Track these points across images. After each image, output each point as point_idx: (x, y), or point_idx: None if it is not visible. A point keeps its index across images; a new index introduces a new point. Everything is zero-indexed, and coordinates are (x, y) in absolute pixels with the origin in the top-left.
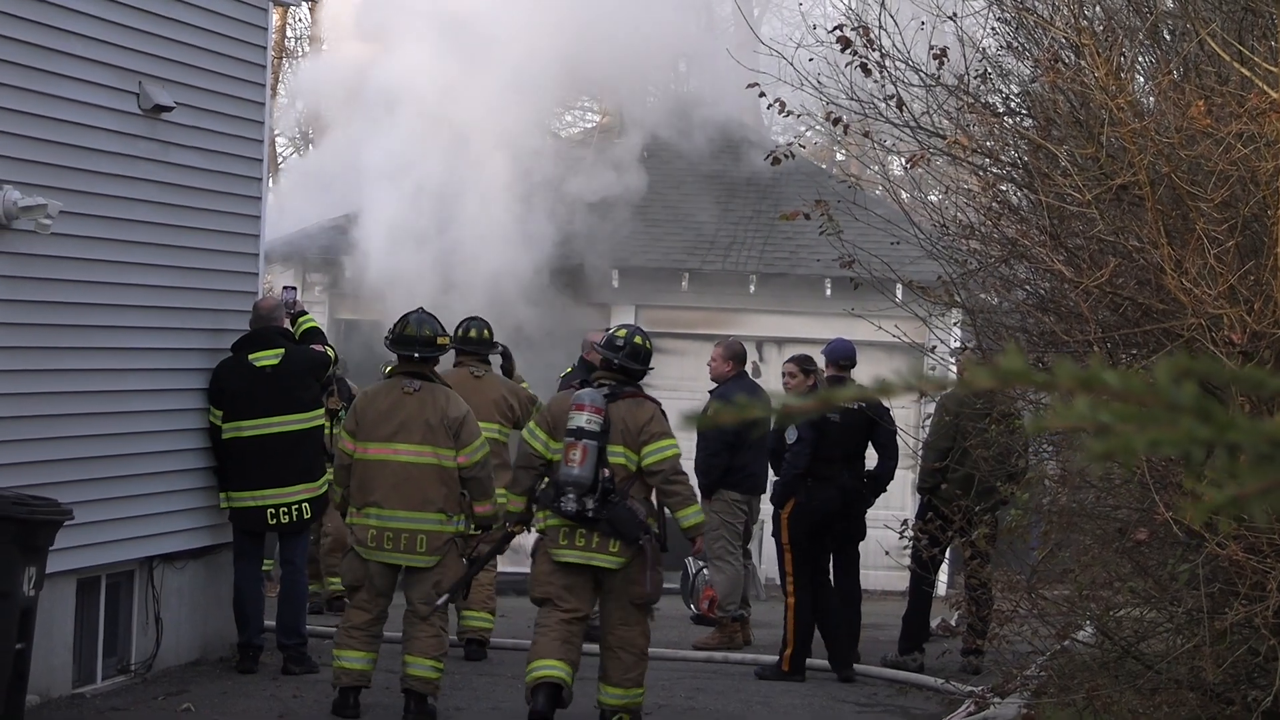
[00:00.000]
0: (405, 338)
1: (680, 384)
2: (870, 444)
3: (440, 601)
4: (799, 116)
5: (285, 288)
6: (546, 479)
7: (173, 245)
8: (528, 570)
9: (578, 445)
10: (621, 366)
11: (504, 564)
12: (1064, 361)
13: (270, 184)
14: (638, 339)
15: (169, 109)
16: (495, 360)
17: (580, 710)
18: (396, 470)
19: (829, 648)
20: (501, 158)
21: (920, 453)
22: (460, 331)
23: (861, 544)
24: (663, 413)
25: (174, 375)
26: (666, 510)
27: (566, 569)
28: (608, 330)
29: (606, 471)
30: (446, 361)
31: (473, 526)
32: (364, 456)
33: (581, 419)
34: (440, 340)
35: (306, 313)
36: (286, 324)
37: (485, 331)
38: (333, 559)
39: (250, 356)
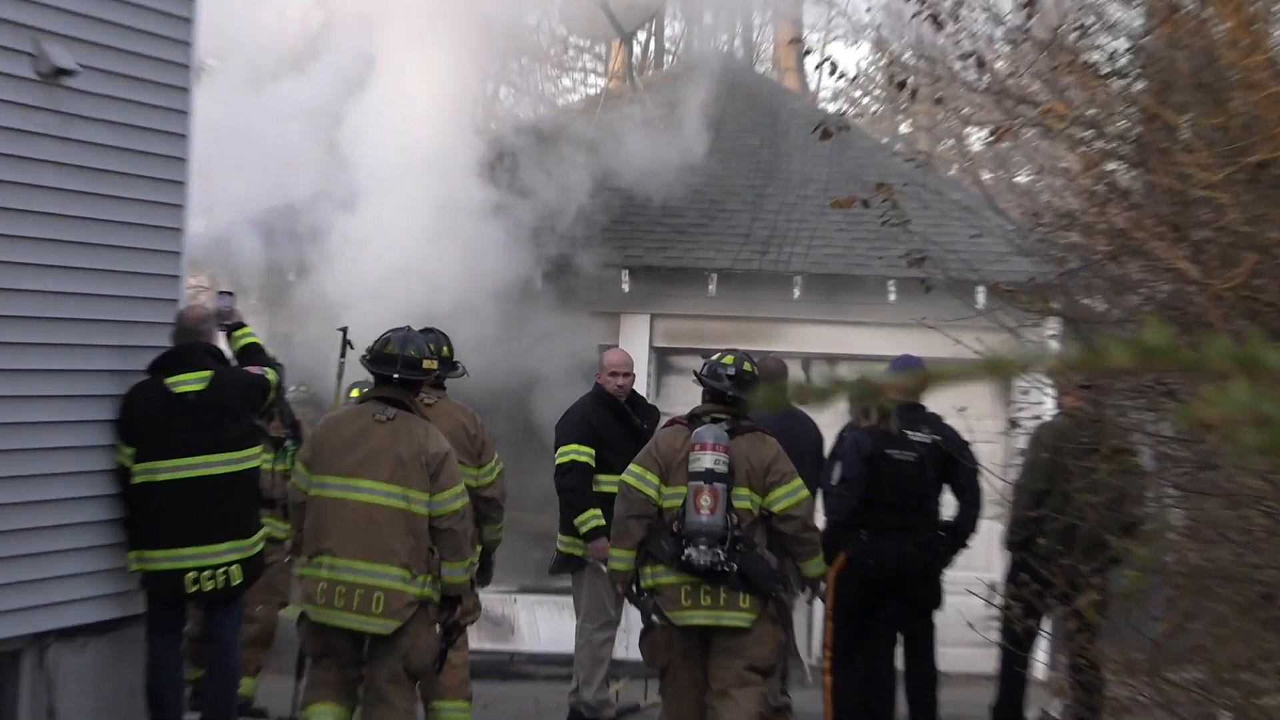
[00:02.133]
0: (385, 356)
1: None
2: (947, 487)
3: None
4: (854, 79)
5: (220, 293)
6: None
7: (76, 241)
8: (511, 648)
9: (706, 489)
10: (735, 398)
11: (483, 641)
12: (1217, 338)
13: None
14: (747, 365)
15: (72, 73)
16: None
17: None
18: (356, 511)
19: None
20: (480, 128)
21: (1010, 498)
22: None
23: (937, 614)
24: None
25: (73, 404)
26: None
27: (685, 632)
28: (613, 346)
29: (734, 518)
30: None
31: (438, 594)
32: (320, 493)
33: (709, 460)
34: (427, 363)
35: (245, 325)
36: (221, 340)
37: (444, 348)
38: (251, 653)
39: (168, 381)
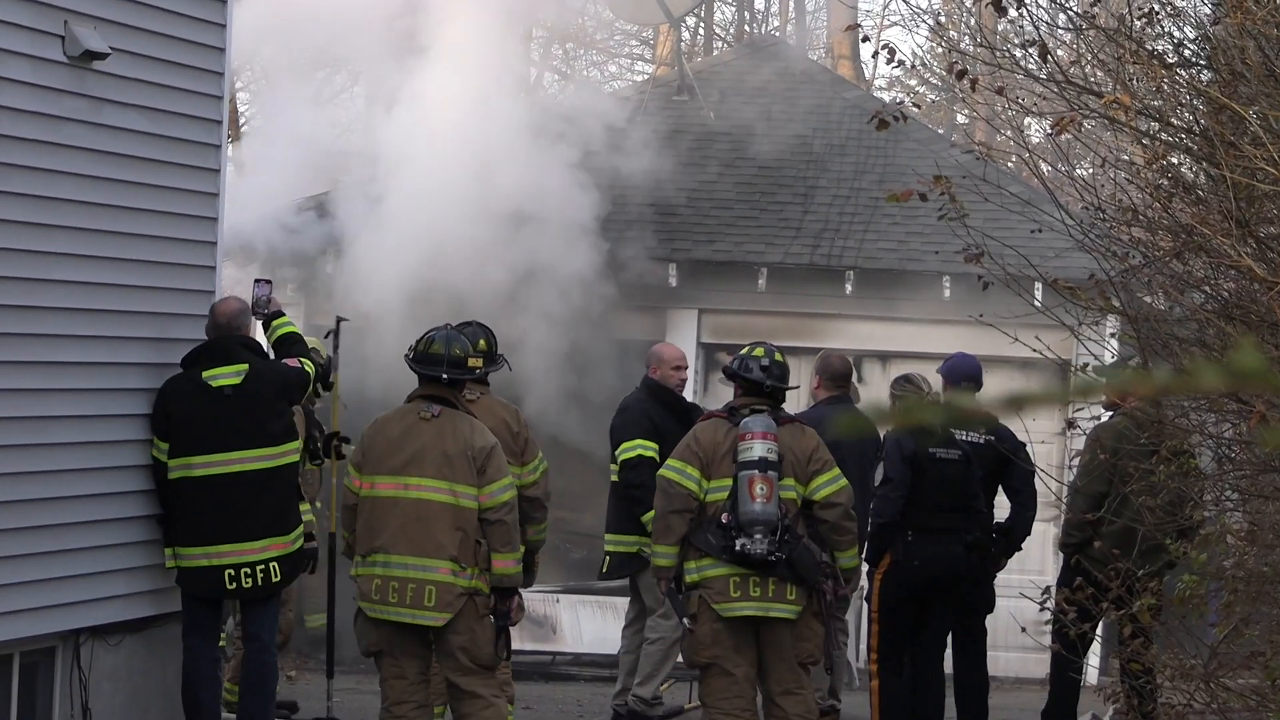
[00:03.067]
0: (430, 356)
1: None
2: (1001, 489)
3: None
4: (912, 67)
5: (257, 281)
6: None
7: (107, 230)
8: (553, 648)
9: (760, 478)
10: (773, 389)
11: (525, 641)
12: None
13: (231, 152)
14: (777, 355)
15: (102, 56)
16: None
17: None
18: (407, 509)
19: None
20: (522, 116)
21: (1066, 500)
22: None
23: (989, 618)
24: None
25: (107, 398)
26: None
27: (732, 626)
28: (661, 342)
29: (783, 508)
30: None
31: (487, 585)
32: (372, 494)
33: (761, 448)
34: (472, 361)
35: (283, 314)
36: (257, 331)
37: (482, 341)
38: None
39: (205, 374)
